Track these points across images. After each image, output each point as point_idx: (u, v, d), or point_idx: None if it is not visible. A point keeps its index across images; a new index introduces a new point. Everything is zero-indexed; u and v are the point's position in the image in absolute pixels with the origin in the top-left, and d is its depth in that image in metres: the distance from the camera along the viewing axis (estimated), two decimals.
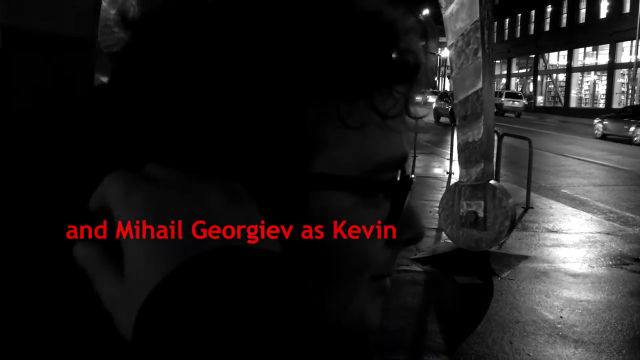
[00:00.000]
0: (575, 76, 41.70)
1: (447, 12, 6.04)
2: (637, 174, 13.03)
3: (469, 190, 6.03)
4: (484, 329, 4.40)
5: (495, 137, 7.34)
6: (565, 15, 42.64)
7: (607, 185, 11.88)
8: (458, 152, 6.22)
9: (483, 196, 5.95)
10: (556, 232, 7.51)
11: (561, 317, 4.64)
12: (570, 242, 6.99)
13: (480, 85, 5.97)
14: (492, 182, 6.08)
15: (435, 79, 78.40)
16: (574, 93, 41.55)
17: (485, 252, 6.06)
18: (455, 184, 6.27)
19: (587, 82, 40.34)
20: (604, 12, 37.47)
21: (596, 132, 24.14)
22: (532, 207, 8.77)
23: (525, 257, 6.25)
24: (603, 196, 10.43)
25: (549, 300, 5.00)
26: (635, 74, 31.01)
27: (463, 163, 6.14)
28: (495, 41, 52.01)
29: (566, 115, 39.75)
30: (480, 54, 5.92)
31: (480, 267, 5.81)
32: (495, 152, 7.62)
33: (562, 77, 43.40)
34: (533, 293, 5.18)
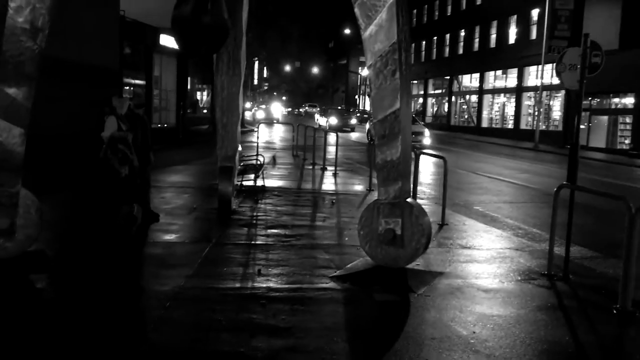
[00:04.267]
0: (487, 98, 43.79)
1: (366, 33, 6.16)
2: (544, 191, 13.76)
3: (387, 208, 6.14)
4: (401, 346, 4.45)
5: (413, 155, 7.53)
6: (477, 40, 44.80)
7: (516, 202, 12.47)
8: (377, 171, 6.32)
9: (401, 214, 6.07)
10: (469, 248, 7.77)
11: (474, 332, 4.78)
12: (482, 258, 7.25)
13: (398, 105, 6.12)
14: (409, 200, 6.21)
15: (356, 97, 79.99)
16: (485, 114, 43.57)
17: (402, 269, 6.17)
18: (374, 201, 6.36)
19: (498, 103, 42.43)
20: (512, 38, 39.67)
21: None
22: (447, 224, 9.05)
23: (441, 274, 6.41)
24: (512, 213, 10.93)
25: (463, 316, 5.14)
26: (541, 97, 32.95)
27: (382, 181, 6.25)
28: (412, 62, 53.72)
29: (478, 134, 41.60)
30: (398, 75, 6.08)
31: (398, 284, 5.90)
32: (412, 170, 7.84)
33: (474, 98, 45.42)
34: (448, 309, 5.31)
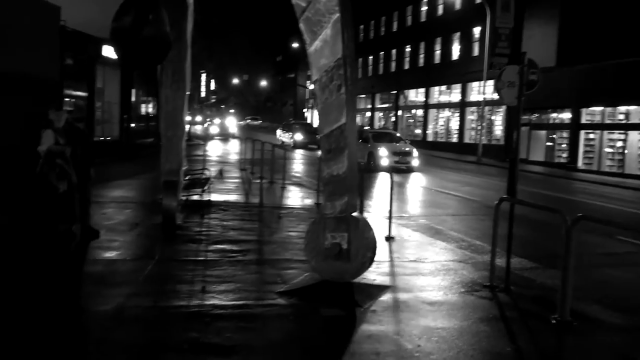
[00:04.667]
0: (432, 112, 44.77)
1: (312, 48, 6.19)
2: (485, 204, 14.11)
3: (333, 223, 6.14)
4: None
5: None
6: (422, 56, 45.83)
7: (459, 214, 12.74)
8: (323, 185, 6.32)
9: (347, 228, 6.09)
10: (415, 261, 7.86)
11: (419, 345, 4.81)
12: (427, 271, 7.35)
13: (344, 120, 6.15)
14: (355, 214, 6.24)
15: (304, 110, 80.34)
16: (430, 128, 44.53)
17: (349, 284, 6.17)
18: (320, 216, 6.35)
19: (442, 118, 43.43)
20: (456, 55, 40.79)
21: None
22: (393, 237, 9.14)
23: (387, 287, 6.45)
24: (456, 225, 11.16)
25: (408, 329, 5.18)
26: (483, 112, 33.94)
27: (328, 196, 6.26)
28: (360, 77, 54.25)
29: (424, 148, 42.43)
30: (343, 90, 6.12)
31: (345, 299, 5.90)
32: (358, 184, 7.90)
33: (420, 112, 46.37)
34: (393, 323, 5.34)
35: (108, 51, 21.07)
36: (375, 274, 6.88)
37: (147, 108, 30.14)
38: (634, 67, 25.02)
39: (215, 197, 12.11)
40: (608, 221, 8.22)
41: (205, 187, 11.26)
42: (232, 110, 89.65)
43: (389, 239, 9.06)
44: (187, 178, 10.83)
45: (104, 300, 5.56)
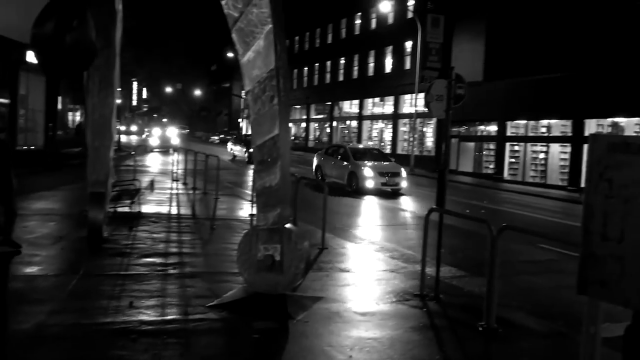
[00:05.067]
0: (366, 123, 45.54)
1: (244, 59, 6.15)
2: (417, 214, 14.42)
3: (266, 234, 6.09)
4: None
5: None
6: (356, 68, 46.62)
7: (392, 225, 12.96)
8: (256, 197, 6.27)
9: (279, 240, 6.05)
10: (348, 271, 7.91)
11: (351, 356, 4.83)
12: (360, 281, 7.41)
13: (276, 131, 6.14)
14: (288, 225, 6.21)
15: (240, 120, 79.75)
16: (364, 139, 45.23)
17: (282, 295, 6.13)
18: (253, 228, 6.29)
19: (376, 129, 44.25)
20: (389, 68, 41.73)
21: None
22: (326, 248, 9.17)
23: (320, 298, 6.45)
24: (389, 235, 11.34)
25: (340, 340, 5.19)
26: (415, 124, 34.79)
27: (261, 207, 6.21)
28: (295, 88, 54.36)
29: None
30: (276, 101, 6.11)
31: (277, 311, 5.85)
32: (292, 194, 7.89)
33: (354, 123, 47.03)
34: (325, 334, 5.34)
35: (33, 57, 20.23)
36: (308, 285, 6.87)
37: (75, 116, 29.06)
38: (554, 83, 26.36)
39: (145, 208, 11.78)
40: (530, 231, 8.57)
41: (135, 199, 10.94)
42: (164, 120, 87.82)
43: (323, 249, 9.09)
44: (115, 189, 10.49)
45: (24, 319, 5.27)
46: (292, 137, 59.19)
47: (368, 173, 19.13)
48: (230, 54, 69.01)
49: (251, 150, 30.10)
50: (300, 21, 54.46)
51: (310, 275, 7.12)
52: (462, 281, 7.84)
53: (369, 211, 15.15)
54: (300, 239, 6.17)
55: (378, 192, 19.00)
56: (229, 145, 38.64)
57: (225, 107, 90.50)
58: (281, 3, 6.25)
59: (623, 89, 22.63)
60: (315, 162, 22.70)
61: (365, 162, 19.85)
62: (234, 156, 34.70)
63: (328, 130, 51.79)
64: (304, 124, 57.39)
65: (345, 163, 20.13)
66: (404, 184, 19.73)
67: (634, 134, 23.17)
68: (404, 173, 19.95)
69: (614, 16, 23.21)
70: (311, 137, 55.92)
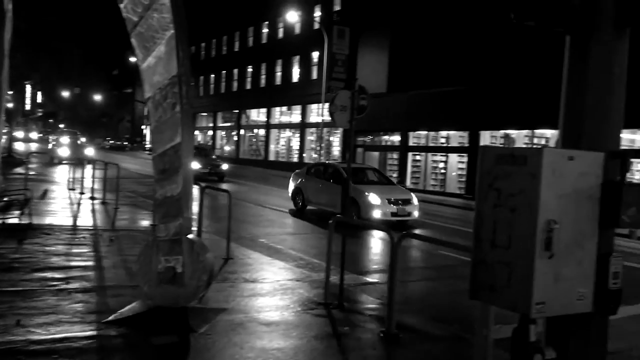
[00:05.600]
0: (274, 132, 45.60)
1: (145, 64, 5.95)
2: (325, 222, 14.58)
3: (167, 246, 5.90)
4: None
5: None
6: (264, 77, 46.62)
7: (299, 233, 13.01)
8: (155, 207, 6.05)
9: (181, 251, 5.88)
10: (253, 281, 7.84)
11: None
12: (265, 291, 7.36)
13: (178, 139, 5.97)
14: (190, 236, 6.05)
15: (143, 127, 77.29)
16: (272, 147, 45.27)
17: (184, 308, 5.95)
18: (153, 239, 6.08)
19: (284, 138, 44.41)
20: (296, 77, 42.08)
21: None
22: (232, 258, 9.04)
23: (223, 310, 6.34)
24: (295, 244, 11.37)
25: (243, 352, 5.11)
26: (322, 133, 35.25)
27: (161, 217, 6.00)
28: (201, 95, 53.42)
29: (266, 167, 42.95)
30: (178, 108, 5.95)
31: (179, 325, 5.68)
32: (196, 204, 7.71)
33: (262, 132, 46.95)
34: (228, 346, 5.24)
35: None
36: (212, 297, 6.73)
37: None
38: (453, 96, 27.68)
39: (37, 219, 11.08)
40: (428, 238, 8.90)
41: (25, 209, 10.25)
42: (61, 125, 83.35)
43: (228, 259, 8.95)
44: (4, 199, 9.79)
45: None
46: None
47: (374, 200, 15.03)
48: (133, 59, 66.80)
49: (194, 164, 26.21)
50: (206, 28, 53.74)
51: (214, 286, 6.97)
52: (366, 288, 8.00)
53: (277, 220, 15.13)
54: (203, 249, 6.03)
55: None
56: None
57: (128, 114, 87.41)
58: (184, 9, 6.12)
59: (514, 104, 24.16)
60: (292, 184, 17.88)
61: (367, 185, 16.26)
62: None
63: (235, 138, 51.34)
64: (210, 132, 56.54)
65: (339, 187, 15.03)
66: (416, 213, 15.70)
67: (524, 145, 24.81)
68: (415, 200, 15.92)
69: (504, 36, 24.76)
70: (218, 145, 55.19)
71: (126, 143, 73.12)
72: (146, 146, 66.20)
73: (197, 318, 5.90)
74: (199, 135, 59.62)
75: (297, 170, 19.10)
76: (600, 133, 3.61)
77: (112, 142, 72.69)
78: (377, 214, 14.85)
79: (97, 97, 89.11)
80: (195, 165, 24.97)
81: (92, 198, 15.46)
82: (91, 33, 78.22)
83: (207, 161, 27.96)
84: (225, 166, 28.45)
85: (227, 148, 52.89)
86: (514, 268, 3.30)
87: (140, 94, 76.55)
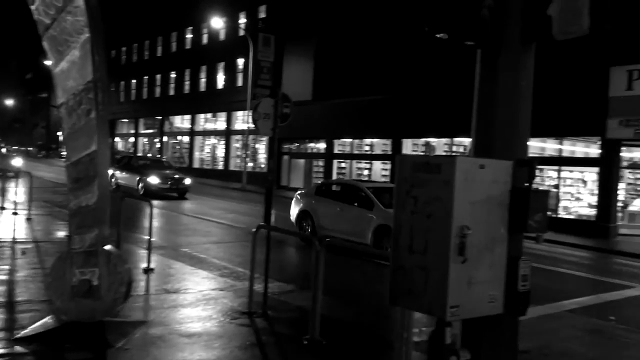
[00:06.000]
0: (198, 139, 44.85)
1: (58, 69, 5.71)
2: (248, 230, 14.43)
3: (82, 258, 5.66)
4: None
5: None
6: (188, 83, 45.79)
7: (223, 242, 12.83)
8: (70, 217, 5.79)
9: (97, 263, 5.66)
10: (175, 292, 7.65)
11: None
12: (187, 302, 7.20)
13: (94, 147, 5.76)
14: (107, 247, 5.84)
15: (58, 134, 73.96)
16: (197, 154, 44.50)
17: (100, 323, 5.73)
18: (67, 251, 5.81)
19: (209, 145, 43.76)
20: (221, 84, 41.62)
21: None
22: (152, 269, 8.79)
23: (143, 323, 6.14)
24: (219, 253, 11.20)
25: None
26: (247, 140, 35.02)
27: (76, 228, 5.75)
28: (122, 101, 51.77)
29: (190, 175, 42.13)
30: (93, 115, 5.74)
31: (95, 340, 5.45)
32: (116, 213, 7.43)
33: (186, 139, 46.06)
34: None
35: None
36: (131, 310, 6.51)
37: None
38: (377, 105, 28.27)
39: None
40: (350, 245, 9.02)
41: None
42: None
43: (148, 270, 8.70)
44: None
45: None
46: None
47: None
48: (48, 62, 63.99)
49: (150, 179, 22.99)
50: (127, 32, 52.24)
51: (133, 298, 6.75)
52: (291, 296, 7.98)
53: (201, 229, 14.86)
54: (121, 261, 5.83)
55: (215, 207, 18.64)
56: (110, 172, 24.99)
57: (43, 119, 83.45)
58: (100, 12, 5.92)
59: (434, 113, 24.97)
60: (297, 206, 14.02)
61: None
62: (118, 185, 24.89)
63: (158, 145, 50.10)
64: (132, 139, 54.89)
65: (366, 211, 12.23)
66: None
67: (444, 153, 25.69)
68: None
69: (425, 47, 25.59)
70: (139, 152, 53.66)
71: (32, 149, 69.73)
72: (62, 153, 63.25)
73: (115, 332, 5.69)
74: (119, 143, 57.75)
75: (302, 191, 15.51)
76: (509, 142, 3.80)
77: (20, 148, 69.08)
78: None
79: (9, 102, 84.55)
80: (154, 180, 23.08)
81: (2, 208, 14.62)
82: (2, 35, 74.16)
83: (166, 175, 24.09)
84: (188, 180, 24.51)
85: (149, 155, 51.50)
86: (430, 273, 3.41)
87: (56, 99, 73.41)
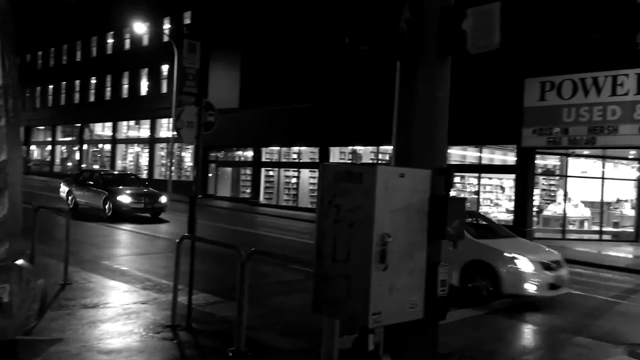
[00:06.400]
0: (120, 147, 43.45)
1: None
2: (174, 241, 14.11)
3: None
4: None
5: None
6: (109, 89, 44.28)
7: (146, 253, 12.46)
8: None
9: (8, 279, 5.34)
10: (94, 307, 7.35)
11: None
12: (107, 317, 6.94)
13: (4, 157, 5.43)
14: (19, 262, 5.52)
15: None
16: (119, 163, 43.09)
17: (12, 341, 5.40)
18: None
19: (132, 153, 42.47)
20: (145, 90, 40.52)
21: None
22: (70, 283, 8.42)
23: (58, 340, 5.84)
24: (143, 265, 10.87)
25: None
26: (172, 148, 34.28)
27: None
28: (38, 107, 49.36)
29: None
30: (3, 122, 5.42)
31: (6, 359, 5.14)
32: (29, 226, 7.05)
33: (108, 147, 44.53)
34: None
35: None
36: (45, 327, 6.19)
37: None
38: (304, 113, 28.42)
39: None
40: (276, 254, 9.00)
41: None
42: None
43: (65, 285, 8.31)
44: None
45: None
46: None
47: (527, 267, 9.48)
48: None
49: (121, 197, 19.05)
50: (44, 35, 49.99)
51: (49, 315, 6.42)
52: (216, 307, 7.86)
53: (124, 240, 14.39)
54: (34, 275, 5.51)
55: (135, 218, 18.10)
56: (63, 187, 22.44)
57: None
58: (10, 14, 5.62)
59: (361, 121, 25.38)
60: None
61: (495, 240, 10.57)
62: (73, 204, 21.14)
63: (78, 154, 48.15)
64: (49, 147, 52.46)
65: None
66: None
67: (370, 161, 26.16)
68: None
69: (350, 56, 26.05)
70: (57, 161, 51.38)
71: None
72: None
73: (28, 352, 5.38)
74: (35, 151, 55.06)
75: None
76: (428, 151, 3.92)
77: None
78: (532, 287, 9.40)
79: None
80: (125, 199, 19.02)
81: None
82: None
83: (138, 192, 19.94)
84: (164, 199, 20.33)
85: (69, 164, 49.39)
86: (353, 281, 3.44)
87: None
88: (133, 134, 42.61)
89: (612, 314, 9.59)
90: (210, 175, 34.12)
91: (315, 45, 28.76)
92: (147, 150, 40.35)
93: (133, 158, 42.33)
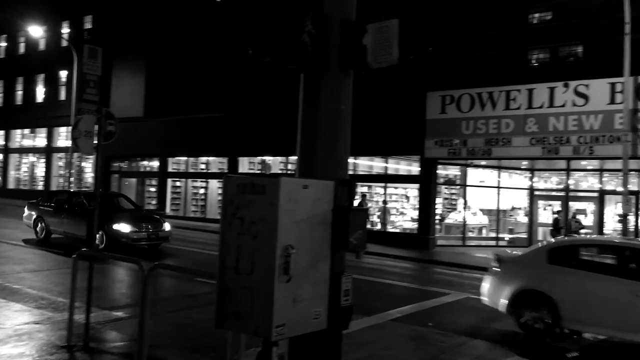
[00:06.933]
0: (14, 157, 40.78)
1: None
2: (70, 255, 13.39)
3: None
4: None
5: None
6: (1, 95, 41.52)
7: (41, 270, 11.74)
8: None
9: None
10: None
11: None
12: None
13: None
14: None
15: None
16: (12, 174, 40.43)
17: None
18: None
19: (26, 163, 39.98)
20: (41, 97, 38.33)
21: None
22: None
23: None
24: (37, 282, 10.23)
25: None
26: (72, 158, 32.62)
27: None
28: None
29: (4, 196, 38.13)
30: None
31: None
32: None
33: (0, 157, 41.67)
34: None
35: None
36: None
37: None
38: (212, 123, 28.01)
39: None
40: (180, 268, 8.77)
41: None
42: None
43: None
44: None
45: None
46: None
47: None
48: None
49: (119, 226, 14.55)
50: None
51: None
52: (117, 325, 7.53)
53: (15, 256, 13.46)
54: None
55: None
56: (27, 212, 18.53)
57: None
58: None
59: (270, 131, 25.37)
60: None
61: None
62: (48, 233, 17.23)
63: None
64: None
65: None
66: None
67: (279, 171, 26.18)
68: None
69: (258, 67, 26.05)
70: None
71: None
72: None
73: None
74: None
75: None
76: (331, 163, 3.96)
77: None
78: None
79: None
80: (124, 227, 15.01)
81: None
82: None
83: (139, 218, 16.04)
84: (168, 226, 16.22)
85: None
86: (256, 293, 3.41)
87: None
88: (28, 142, 40.15)
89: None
90: (113, 185, 32.77)
91: (223, 55, 28.51)
92: (43, 160, 38.15)
93: (28, 168, 39.88)
